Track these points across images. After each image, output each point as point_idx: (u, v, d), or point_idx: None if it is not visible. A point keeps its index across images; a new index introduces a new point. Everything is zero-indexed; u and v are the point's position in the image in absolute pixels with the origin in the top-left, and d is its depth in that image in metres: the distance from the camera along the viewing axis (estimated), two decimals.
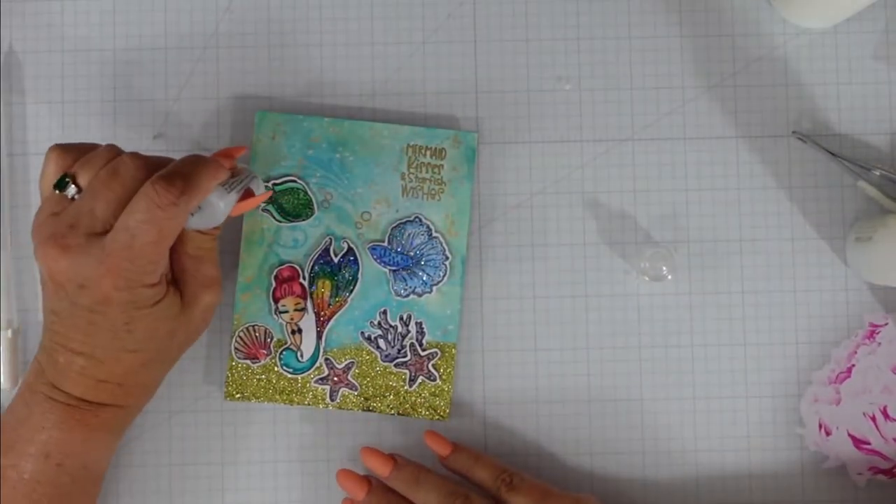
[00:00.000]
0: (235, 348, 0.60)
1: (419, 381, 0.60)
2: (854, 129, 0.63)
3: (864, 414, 0.60)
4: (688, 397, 0.62)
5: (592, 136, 0.63)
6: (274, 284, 0.61)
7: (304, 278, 0.60)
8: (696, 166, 0.63)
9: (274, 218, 0.61)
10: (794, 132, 0.63)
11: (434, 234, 0.61)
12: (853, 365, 0.60)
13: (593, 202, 0.63)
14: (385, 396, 0.60)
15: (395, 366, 0.60)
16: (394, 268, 0.61)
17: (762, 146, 0.63)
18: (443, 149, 0.61)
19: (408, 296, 0.60)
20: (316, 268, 0.61)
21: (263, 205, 0.61)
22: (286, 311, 0.60)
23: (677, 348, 0.62)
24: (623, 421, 0.62)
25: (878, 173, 0.61)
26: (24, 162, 0.64)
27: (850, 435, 0.60)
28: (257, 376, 0.60)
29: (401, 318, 0.60)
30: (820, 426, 0.61)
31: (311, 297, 0.61)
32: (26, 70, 0.64)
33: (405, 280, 0.60)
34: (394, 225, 0.61)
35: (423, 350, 0.60)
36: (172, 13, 0.64)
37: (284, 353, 0.60)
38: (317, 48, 0.63)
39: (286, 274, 0.61)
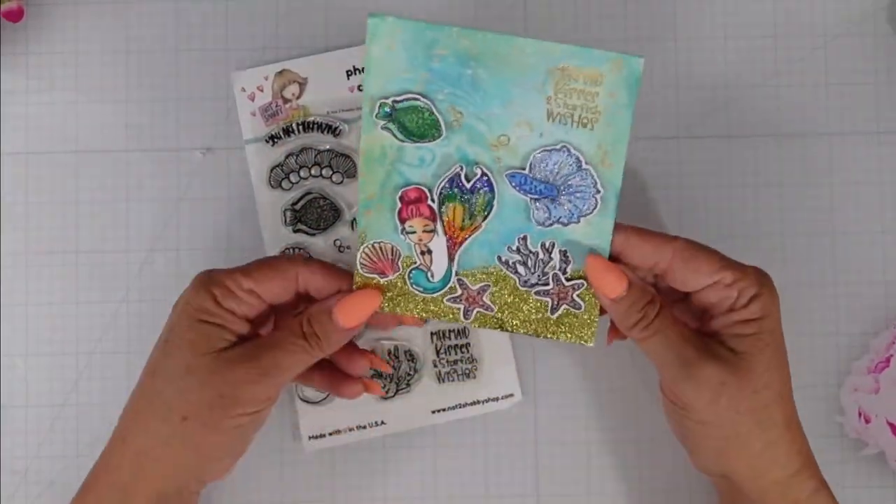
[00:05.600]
0: (361, 263, 0.55)
1: (562, 309, 0.55)
2: None
3: None
4: None
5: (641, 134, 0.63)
6: (399, 205, 0.54)
7: (432, 200, 0.54)
8: (740, 163, 0.63)
9: (396, 137, 0.54)
10: None
11: (584, 166, 0.54)
12: (892, 354, 0.61)
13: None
14: (524, 320, 0.55)
15: (536, 294, 0.55)
16: (536, 196, 0.54)
17: (803, 143, 0.63)
18: (601, 73, 0.53)
19: (551, 225, 0.54)
20: (445, 192, 0.54)
21: (383, 123, 0.54)
22: (414, 232, 0.55)
23: None
24: None
25: None
26: (25, 161, 0.63)
27: (888, 423, 0.61)
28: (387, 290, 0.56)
29: (543, 246, 0.55)
30: (859, 414, 0.61)
31: (441, 220, 0.54)
32: (27, 70, 0.63)
33: (548, 209, 0.54)
34: (537, 151, 0.54)
35: (568, 280, 0.55)
36: (185, 14, 0.63)
37: (414, 272, 0.55)
38: None
39: (413, 195, 0.54)
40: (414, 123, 0.53)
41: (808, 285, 0.63)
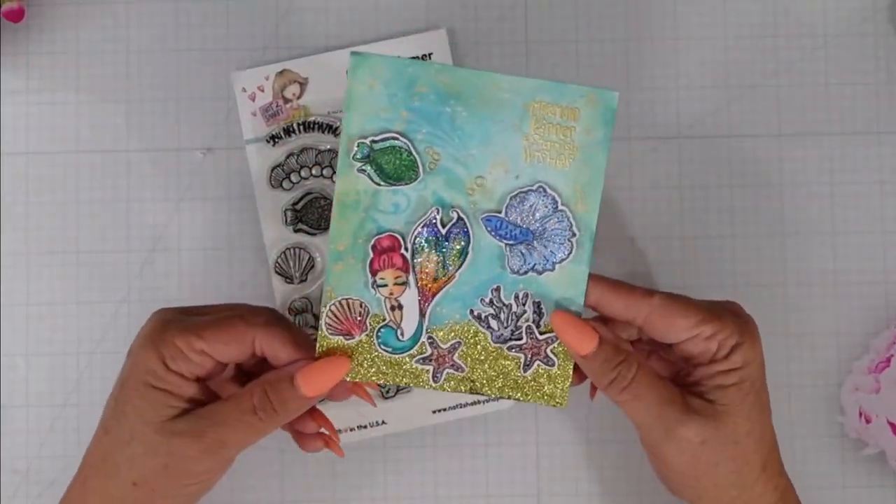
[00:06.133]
0: (327, 324, 0.53)
1: (535, 365, 0.54)
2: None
3: None
4: None
5: (640, 134, 0.63)
6: (371, 255, 0.53)
7: (406, 249, 0.53)
8: (740, 164, 0.63)
9: (372, 180, 0.53)
10: None
11: (560, 207, 0.53)
12: (892, 354, 0.61)
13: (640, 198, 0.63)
14: (495, 379, 0.54)
15: (508, 348, 0.53)
16: (511, 241, 0.53)
17: (803, 144, 0.63)
18: (576, 108, 0.52)
19: (525, 273, 0.53)
20: (420, 238, 0.53)
21: (360, 165, 0.53)
22: (385, 285, 0.53)
23: None
24: None
25: None
26: (25, 161, 0.63)
27: (889, 423, 0.61)
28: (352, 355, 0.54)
29: (516, 297, 0.53)
30: (860, 414, 0.61)
31: (414, 271, 0.53)
32: (27, 70, 0.63)
33: (523, 256, 0.53)
34: (513, 194, 0.53)
35: (542, 334, 0.53)
36: (185, 14, 0.63)
37: (383, 330, 0.53)
38: None
39: (385, 244, 0.53)
40: (391, 165, 0.52)
41: (808, 285, 0.63)
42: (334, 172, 0.62)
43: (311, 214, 0.62)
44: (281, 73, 0.62)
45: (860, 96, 0.63)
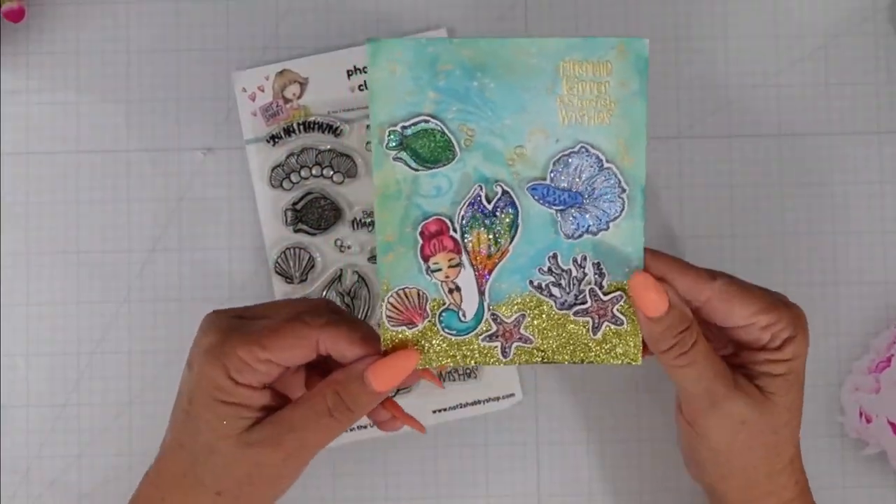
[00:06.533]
0: (388, 316, 0.52)
1: (604, 327, 0.52)
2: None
3: None
4: None
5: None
6: (421, 241, 0.52)
7: (454, 230, 0.52)
8: (740, 164, 0.63)
9: (409, 167, 0.51)
10: None
11: (606, 165, 0.51)
12: (892, 354, 0.61)
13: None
14: (565, 346, 0.52)
15: (574, 314, 0.52)
16: (560, 207, 0.52)
17: (803, 144, 0.63)
18: (607, 61, 0.51)
19: (580, 236, 0.52)
20: (467, 217, 0.52)
21: (394, 153, 0.52)
22: (439, 269, 0.52)
23: None
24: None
25: None
26: (25, 161, 0.63)
27: (889, 422, 0.61)
28: (418, 343, 0.53)
29: (574, 261, 0.52)
30: (860, 414, 0.61)
31: (466, 251, 0.52)
32: (27, 70, 0.63)
33: (575, 219, 0.52)
34: (555, 158, 0.51)
35: (606, 294, 0.52)
36: (185, 14, 0.63)
37: (444, 314, 0.52)
38: None
39: (433, 228, 0.52)
40: (426, 148, 0.51)
41: (809, 285, 0.63)
42: (335, 172, 0.62)
43: (311, 214, 0.62)
44: (281, 73, 0.62)
45: (860, 96, 0.63)
